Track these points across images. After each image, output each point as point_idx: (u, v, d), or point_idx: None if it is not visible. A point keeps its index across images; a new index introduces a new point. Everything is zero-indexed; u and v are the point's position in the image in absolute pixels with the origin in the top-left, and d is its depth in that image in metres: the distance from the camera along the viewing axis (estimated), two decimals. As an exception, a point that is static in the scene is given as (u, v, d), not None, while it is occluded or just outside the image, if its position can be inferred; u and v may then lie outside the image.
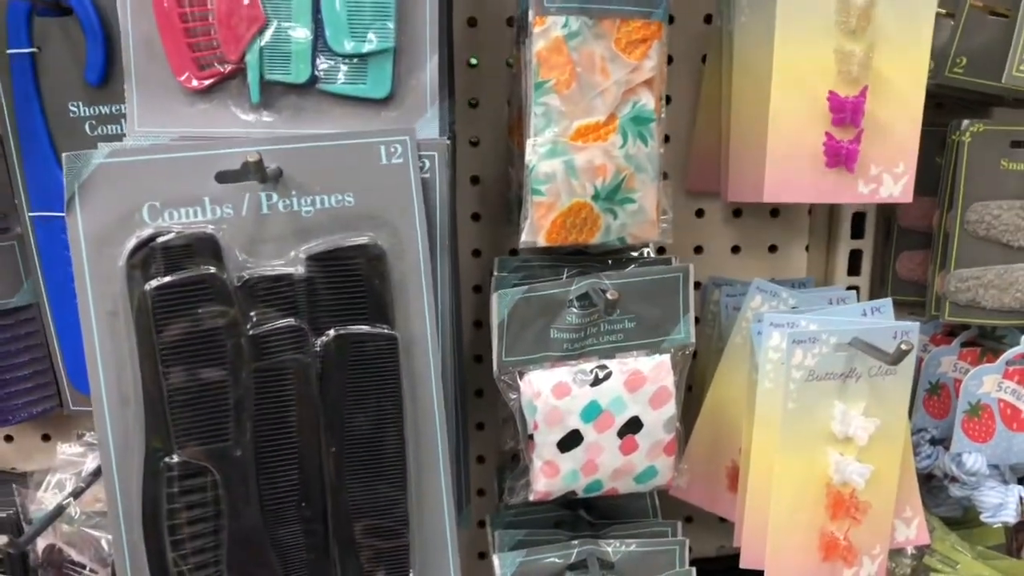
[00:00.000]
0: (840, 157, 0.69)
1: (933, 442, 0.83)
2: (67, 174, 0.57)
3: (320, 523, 0.61)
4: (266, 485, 0.60)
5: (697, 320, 0.86)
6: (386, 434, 0.61)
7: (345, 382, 0.61)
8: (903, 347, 0.63)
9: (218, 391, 0.58)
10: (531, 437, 0.69)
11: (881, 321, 0.70)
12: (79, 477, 0.74)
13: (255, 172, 0.56)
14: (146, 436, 0.58)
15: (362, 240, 0.61)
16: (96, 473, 0.73)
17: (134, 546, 0.60)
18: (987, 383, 0.77)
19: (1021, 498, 0.78)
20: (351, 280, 0.60)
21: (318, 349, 0.60)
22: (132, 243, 0.58)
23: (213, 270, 0.58)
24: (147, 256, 0.57)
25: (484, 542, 0.78)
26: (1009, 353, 0.76)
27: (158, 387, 0.57)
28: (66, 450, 0.78)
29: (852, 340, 0.66)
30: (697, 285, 0.89)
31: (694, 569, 0.71)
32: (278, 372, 0.59)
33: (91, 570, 0.68)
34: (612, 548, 0.72)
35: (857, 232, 0.88)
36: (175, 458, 0.58)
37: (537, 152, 0.64)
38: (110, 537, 0.61)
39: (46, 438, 0.85)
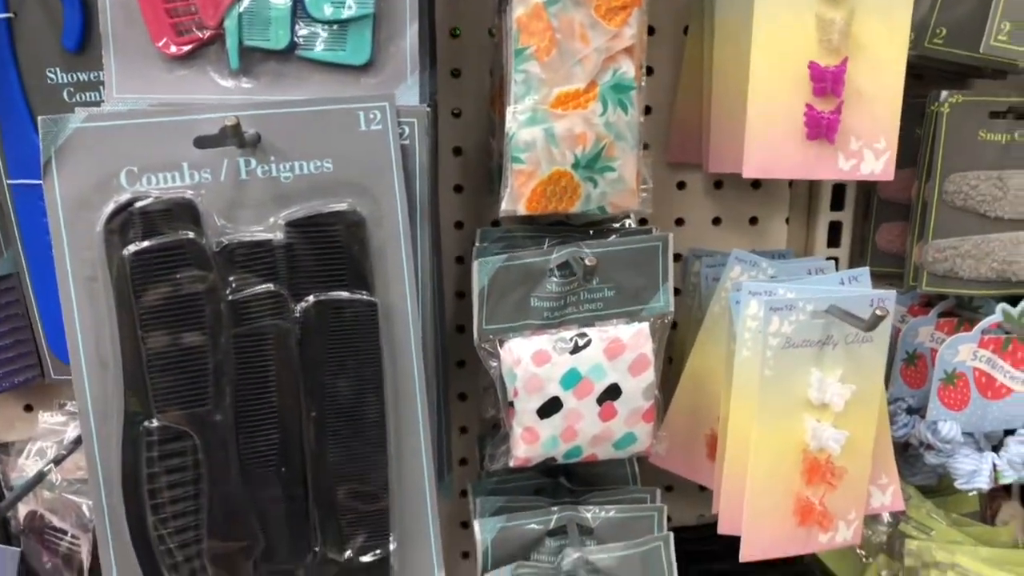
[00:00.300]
0: (821, 128, 0.69)
1: (910, 411, 0.83)
2: (43, 138, 0.57)
3: (300, 488, 0.62)
4: (246, 450, 0.60)
5: (678, 292, 0.87)
6: (366, 399, 0.62)
7: (325, 348, 0.61)
8: (878, 313, 0.63)
9: (197, 356, 0.58)
10: (511, 404, 0.69)
11: (858, 289, 0.70)
12: (60, 445, 0.74)
13: (233, 136, 0.56)
14: (125, 401, 0.59)
15: (341, 207, 0.61)
16: (77, 441, 0.73)
17: (114, 511, 0.60)
18: (962, 352, 0.78)
19: (995, 465, 0.79)
20: (330, 246, 0.60)
21: (297, 315, 0.60)
22: (110, 208, 0.57)
23: (192, 235, 0.58)
24: (125, 221, 0.57)
25: (466, 511, 0.78)
26: (984, 322, 0.77)
27: (137, 352, 0.58)
28: (47, 419, 0.78)
29: (829, 307, 0.67)
30: (678, 257, 0.89)
31: (671, 534, 0.72)
32: (258, 337, 0.60)
33: (73, 536, 0.68)
34: (591, 514, 0.73)
35: (837, 204, 0.88)
36: (154, 423, 0.58)
37: (517, 120, 0.64)
38: (91, 502, 0.61)
39: (28, 408, 0.85)
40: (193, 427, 0.58)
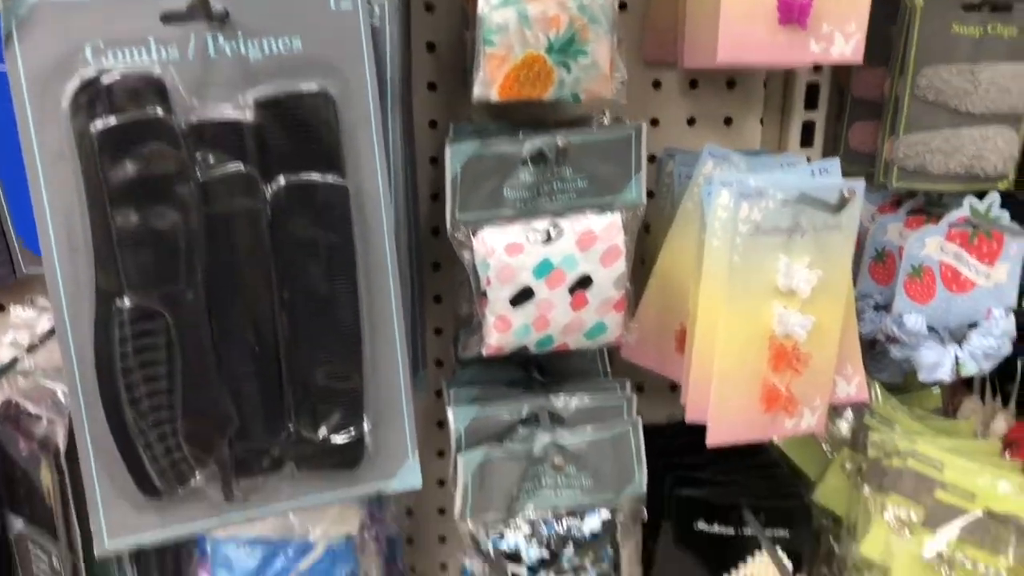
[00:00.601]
0: (793, 13, 0.69)
1: (877, 308, 0.85)
2: (3, 10, 0.55)
3: (274, 367, 0.62)
4: (218, 330, 0.60)
5: (651, 194, 0.87)
6: (337, 280, 0.62)
7: (296, 230, 0.61)
8: (846, 195, 0.64)
9: (167, 234, 0.58)
10: (484, 294, 0.70)
11: (828, 178, 0.71)
12: (33, 334, 0.74)
13: (200, 8, 0.55)
14: (96, 281, 0.58)
15: (311, 86, 0.60)
16: (51, 332, 0.74)
17: (89, 393, 0.60)
18: (929, 245, 0.79)
19: (957, 358, 0.80)
20: (300, 127, 0.60)
21: (268, 197, 0.60)
22: (76, 83, 0.56)
23: (161, 113, 0.57)
24: (92, 97, 0.56)
25: (442, 410, 0.79)
26: (952, 215, 0.78)
27: (107, 230, 0.57)
28: (20, 313, 0.78)
29: (799, 195, 0.67)
30: (652, 159, 0.89)
31: (640, 418, 0.74)
32: (228, 218, 0.59)
33: (48, 420, 0.69)
34: (562, 403, 0.74)
35: (810, 103, 0.89)
36: (126, 302, 0.58)
37: (490, 2, 0.63)
38: (66, 387, 0.61)
39: (0, 308, 0.85)
40: (165, 306, 0.58)
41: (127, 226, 0.57)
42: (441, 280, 0.92)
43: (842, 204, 0.65)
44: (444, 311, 0.94)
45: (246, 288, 0.61)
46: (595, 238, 0.69)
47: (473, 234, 0.69)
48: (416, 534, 1.01)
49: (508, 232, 0.68)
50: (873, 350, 0.88)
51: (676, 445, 0.86)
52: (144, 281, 0.58)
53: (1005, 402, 0.91)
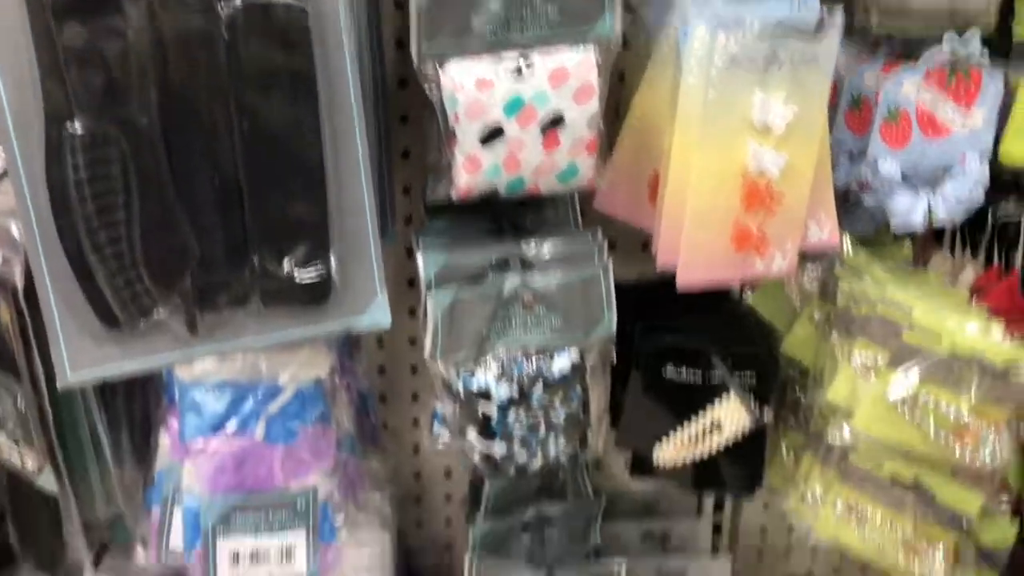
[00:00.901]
0: None
1: (851, 157, 0.84)
2: None
3: (235, 197, 0.60)
4: (176, 159, 0.58)
5: (627, 44, 0.84)
6: (298, 109, 0.60)
7: (253, 53, 0.58)
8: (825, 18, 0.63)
9: (117, 52, 0.55)
10: (452, 133, 0.68)
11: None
12: (-17, 175, 0.71)
13: None
14: (45, 107, 0.56)
15: None
16: (3, 175, 0.71)
17: (45, 227, 0.58)
18: (907, 86, 0.77)
19: (930, 205, 0.80)
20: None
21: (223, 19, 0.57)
22: None
23: (102, -80, 0.54)
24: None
25: (413, 268, 0.78)
26: (931, 53, 0.76)
27: (53, 50, 0.54)
28: (-32, 158, 0.75)
29: (777, 23, 0.65)
30: (628, 7, 0.86)
31: (610, 262, 0.73)
32: (182, 39, 0.56)
33: (4, 258, 0.67)
34: (533, 249, 0.73)
35: (793, -52, 0.85)
36: (78, 128, 0.56)
37: None
38: (20, 222, 0.59)
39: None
40: (118, 130, 0.56)
41: (73, 43, 0.54)
42: (409, 134, 0.90)
43: (821, 26, 0.63)
44: (413, 168, 0.92)
45: (203, 114, 0.58)
46: (568, 74, 0.67)
47: (440, 68, 0.66)
48: (388, 391, 1.02)
49: (477, 66, 0.66)
50: (846, 203, 0.87)
51: (646, 299, 0.86)
52: (94, 102, 0.55)
53: (975, 254, 0.92)
